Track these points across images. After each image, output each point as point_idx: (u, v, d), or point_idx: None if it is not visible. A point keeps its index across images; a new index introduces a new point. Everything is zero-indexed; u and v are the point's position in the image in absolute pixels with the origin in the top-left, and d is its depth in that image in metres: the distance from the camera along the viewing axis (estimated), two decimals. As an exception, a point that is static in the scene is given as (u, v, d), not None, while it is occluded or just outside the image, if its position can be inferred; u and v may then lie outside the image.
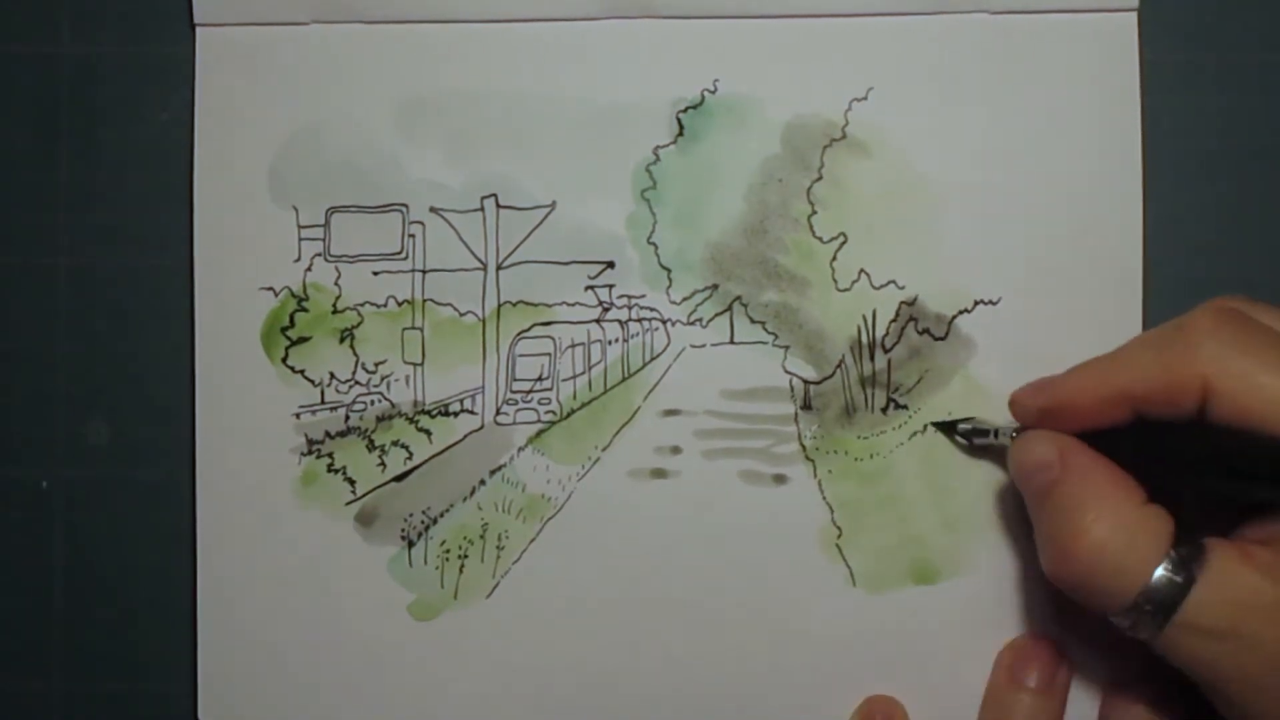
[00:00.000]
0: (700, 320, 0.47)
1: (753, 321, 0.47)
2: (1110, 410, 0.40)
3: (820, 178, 0.46)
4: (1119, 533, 0.38)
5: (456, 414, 0.47)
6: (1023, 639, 0.45)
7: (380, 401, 0.47)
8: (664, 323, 0.47)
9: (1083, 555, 0.38)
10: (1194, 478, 0.39)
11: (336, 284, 0.47)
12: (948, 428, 0.46)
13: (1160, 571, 0.37)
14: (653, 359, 0.47)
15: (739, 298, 0.47)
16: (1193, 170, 0.46)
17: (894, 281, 0.46)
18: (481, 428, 0.47)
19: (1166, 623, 0.37)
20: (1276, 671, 0.37)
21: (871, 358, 0.46)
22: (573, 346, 0.47)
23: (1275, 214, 0.46)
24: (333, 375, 0.47)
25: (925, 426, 0.46)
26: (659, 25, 0.46)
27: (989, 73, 0.46)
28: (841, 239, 0.46)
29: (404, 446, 0.47)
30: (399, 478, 0.47)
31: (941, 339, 0.46)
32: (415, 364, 0.47)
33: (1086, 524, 0.38)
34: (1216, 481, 0.38)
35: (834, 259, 0.46)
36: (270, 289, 0.47)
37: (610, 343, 0.47)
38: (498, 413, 0.47)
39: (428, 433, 0.47)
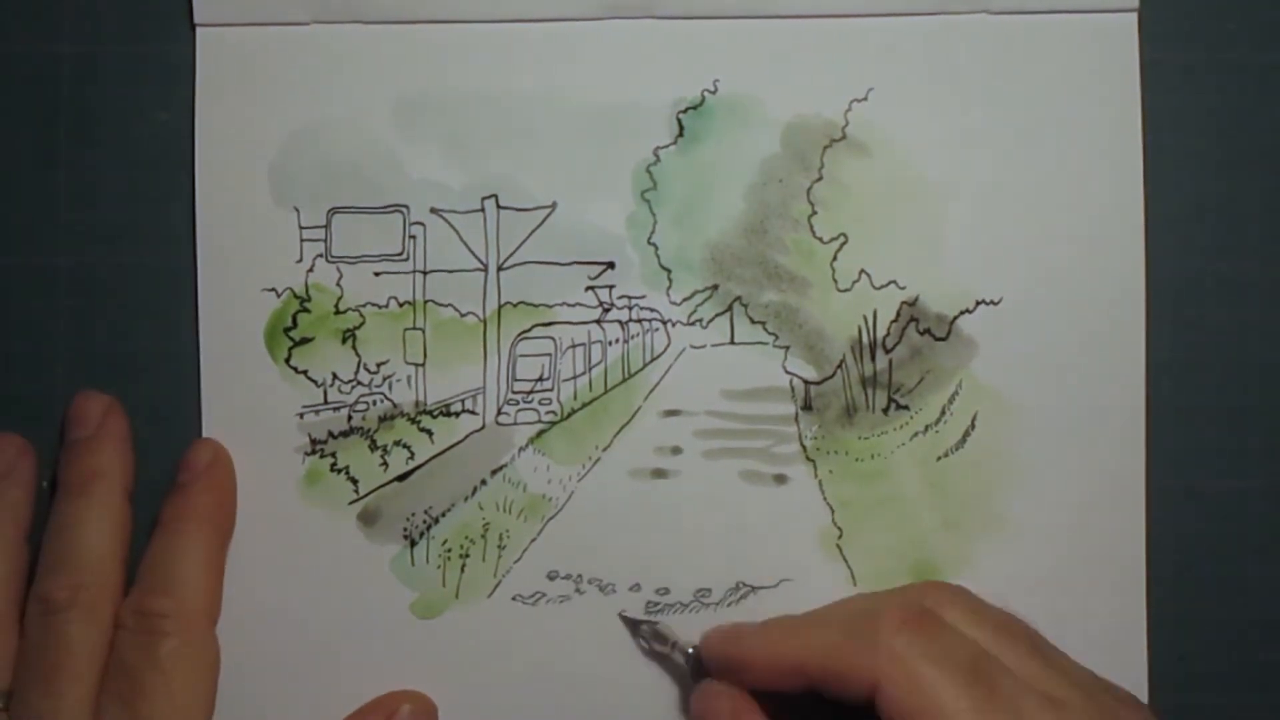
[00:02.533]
0: (700, 320, 0.47)
1: (753, 322, 0.47)
2: (785, 679, 0.40)
3: (820, 178, 0.46)
4: None
5: (458, 414, 0.47)
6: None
7: (382, 402, 0.47)
8: (664, 323, 0.47)
9: None
10: None
11: (338, 285, 0.47)
12: (631, 624, 0.46)
13: None
14: (653, 359, 0.47)
15: (739, 298, 0.47)
16: (1193, 170, 0.46)
17: (895, 282, 0.46)
18: (483, 428, 0.47)
19: None
20: None
21: (872, 358, 0.46)
22: (573, 347, 0.47)
23: (1275, 214, 0.46)
24: (335, 375, 0.47)
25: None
26: (659, 25, 0.46)
27: (989, 73, 0.46)
28: (842, 239, 0.46)
29: (406, 446, 0.47)
30: (401, 477, 0.47)
31: (943, 339, 0.46)
32: (417, 364, 0.47)
33: None
34: None
35: (834, 259, 0.46)
36: (273, 290, 0.47)
37: (611, 343, 0.47)
38: (499, 413, 0.47)
39: (429, 433, 0.47)
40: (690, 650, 0.45)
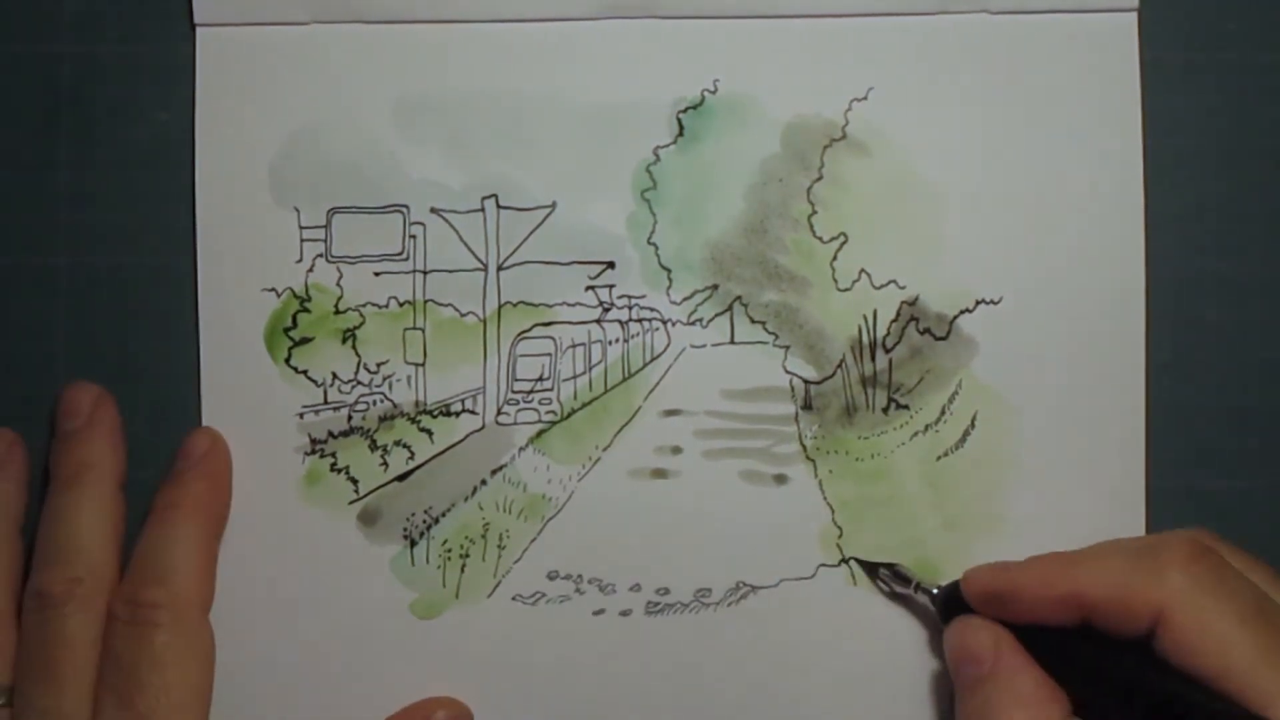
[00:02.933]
0: (700, 320, 0.47)
1: (753, 321, 0.47)
2: (1061, 610, 0.40)
3: (820, 178, 0.46)
4: None
5: (458, 414, 0.47)
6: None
7: (382, 401, 0.47)
8: (664, 323, 0.47)
9: None
10: (1123, 700, 0.38)
11: (338, 285, 0.47)
12: (870, 568, 0.46)
13: None
14: (653, 359, 0.47)
15: (739, 298, 0.47)
16: (1193, 170, 0.46)
17: (895, 281, 0.46)
18: (483, 428, 0.47)
19: None
20: None
21: (872, 358, 0.46)
22: (573, 347, 0.47)
23: (1275, 213, 0.46)
24: (335, 375, 0.47)
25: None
26: (659, 25, 0.46)
27: (989, 73, 0.46)
28: (842, 239, 0.46)
29: (406, 446, 0.47)
30: (401, 477, 0.47)
31: (943, 339, 0.46)
32: (417, 364, 0.47)
33: None
34: (1145, 710, 0.38)
35: (834, 259, 0.47)
36: (273, 290, 0.47)
37: (611, 343, 0.47)
38: (499, 413, 0.47)
39: (429, 432, 0.47)
40: (935, 590, 0.44)
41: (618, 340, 0.47)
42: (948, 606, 0.43)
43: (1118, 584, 0.38)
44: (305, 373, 0.47)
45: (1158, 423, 0.46)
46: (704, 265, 0.47)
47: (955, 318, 0.46)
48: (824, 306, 0.47)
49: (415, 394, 0.47)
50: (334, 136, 0.47)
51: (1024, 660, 0.40)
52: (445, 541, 0.47)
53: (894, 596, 0.46)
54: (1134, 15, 0.46)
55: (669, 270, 0.47)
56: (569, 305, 0.47)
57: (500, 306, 0.47)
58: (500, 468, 0.47)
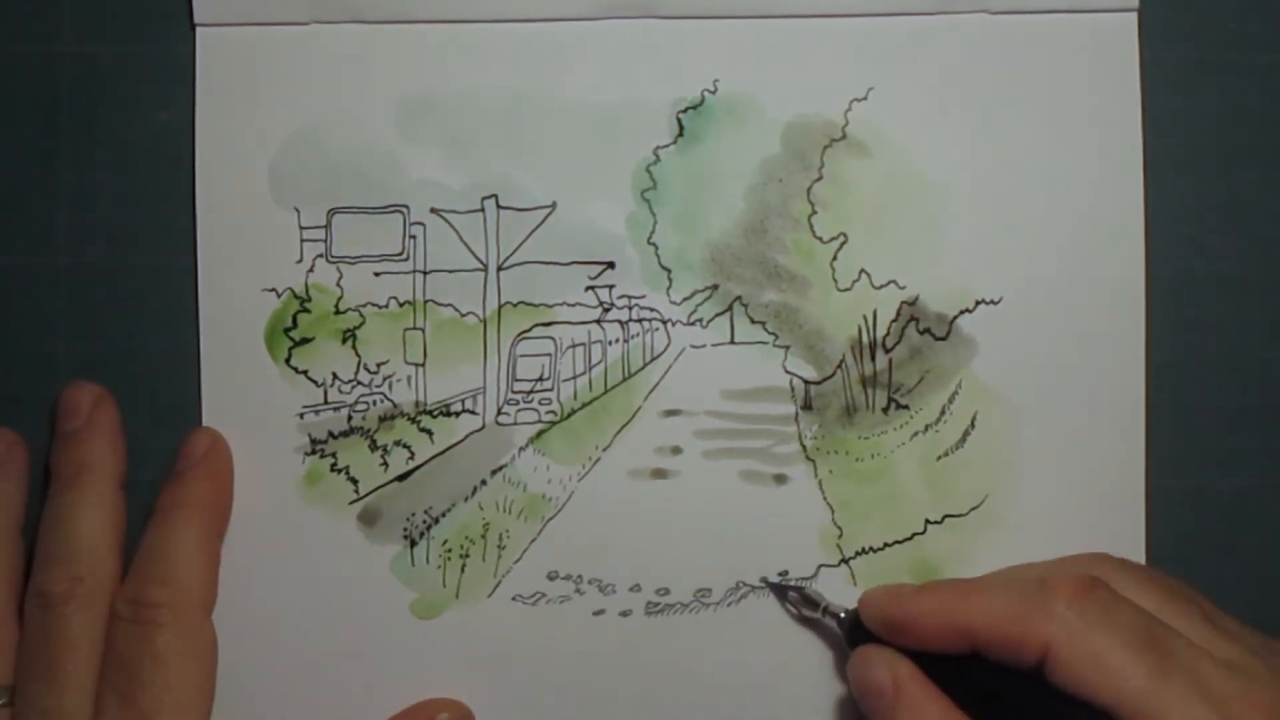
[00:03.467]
0: (700, 320, 0.47)
1: (753, 321, 0.47)
2: (952, 641, 0.40)
3: (820, 178, 0.46)
4: None
5: (458, 414, 0.47)
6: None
7: (382, 402, 0.47)
8: (664, 323, 0.47)
9: None
10: None
11: (338, 285, 0.47)
12: (778, 589, 0.46)
13: None
14: (653, 359, 0.47)
15: (739, 298, 0.47)
16: (1193, 170, 0.46)
17: (895, 281, 0.46)
18: (483, 428, 0.47)
19: None
20: None
21: (872, 358, 0.47)
22: (573, 347, 0.47)
23: (1274, 213, 0.46)
24: (335, 375, 0.47)
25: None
26: (659, 25, 0.46)
27: (989, 73, 0.46)
28: (842, 239, 0.46)
29: (406, 446, 0.47)
30: (401, 477, 0.47)
31: (943, 339, 0.46)
32: (417, 364, 0.47)
33: None
34: None
35: (834, 259, 0.47)
36: (273, 290, 0.47)
37: (611, 343, 0.47)
38: (499, 413, 0.47)
39: (429, 433, 0.47)
40: (842, 614, 0.44)
41: (618, 340, 0.47)
42: (853, 632, 0.44)
43: (1005, 618, 0.39)
44: (305, 373, 0.47)
45: (1158, 423, 0.46)
46: (704, 265, 0.47)
47: (955, 318, 0.46)
48: (824, 306, 0.47)
49: (415, 394, 0.47)
50: (334, 136, 0.47)
51: (924, 689, 0.40)
52: (445, 541, 0.47)
53: (802, 620, 0.46)
54: (1134, 15, 0.46)
55: (669, 270, 0.47)
56: (569, 305, 0.47)
57: (500, 306, 0.47)
58: (500, 468, 0.47)
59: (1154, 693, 0.36)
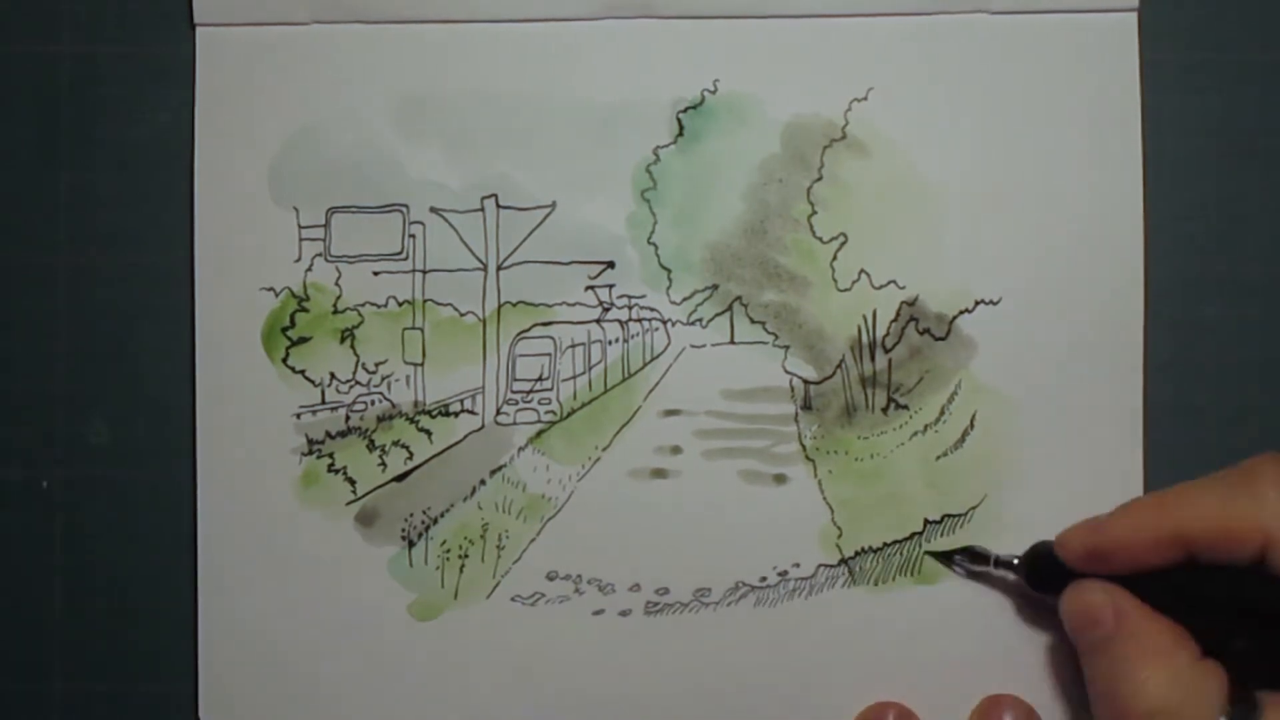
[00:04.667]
0: (700, 320, 0.47)
1: (753, 321, 0.47)
2: (1164, 553, 0.40)
3: (820, 178, 0.46)
4: (1174, 692, 0.38)
5: (457, 414, 0.47)
6: (998, 695, 0.45)
7: (381, 401, 0.47)
8: (664, 323, 0.47)
9: (1138, 716, 0.38)
10: (1246, 627, 0.39)
11: (337, 284, 0.47)
12: (944, 557, 0.46)
13: None
14: (653, 359, 0.47)
15: (739, 298, 0.47)
16: (1193, 170, 0.46)
17: (894, 281, 0.46)
18: (482, 428, 0.47)
19: None
20: None
21: (872, 358, 0.46)
22: (573, 346, 0.47)
23: (1274, 213, 0.46)
24: (333, 375, 0.47)
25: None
26: (659, 25, 0.47)
27: (989, 73, 0.46)
28: (841, 239, 0.46)
29: (404, 446, 0.47)
30: (399, 478, 0.47)
31: (942, 339, 0.46)
32: (416, 364, 0.47)
33: (1140, 682, 0.39)
34: (1270, 632, 0.38)
35: (834, 259, 0.46)
36: (271, 289, 0.47)
37: (610, 343, 0.47)
38: (498, 413, 0.47)
39: (428, 433, 0.47)
40: (1015, 560, 0.44)
41: (617, 340, 0.47)
42: (1033, 573, 0.44)
43: (1217, 516, 0.38)
44: (303, 372, 0.47)
45: (1156, 422, 0.46)
46: (704, 265, 0.47)
47: (955, 318, 0.46)
48: (824, 306, 0.47)
49: (414, 394, 0.47)
50: (334, 136, 0.47)
51: (1145, 613, 0.40)
52: (444, 542, 0.47)
53: (973, 576, 0.46)
54: (1134, 15, 0.46)
55: (669, 270, 0.47)
56: (569, 305, 0.47)
57: (500, 306, 0.47)
58: (499, 468, 0.47)
59: None
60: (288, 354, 0.47)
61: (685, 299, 0.47)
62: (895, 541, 0.46)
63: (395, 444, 0.47)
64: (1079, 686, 0.45)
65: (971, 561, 0.45)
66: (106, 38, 0.48)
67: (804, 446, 0.46)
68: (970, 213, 0.46)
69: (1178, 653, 0.39)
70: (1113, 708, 0.39)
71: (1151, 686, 0.38)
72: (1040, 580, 0.43)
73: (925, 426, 0.46)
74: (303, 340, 0.47)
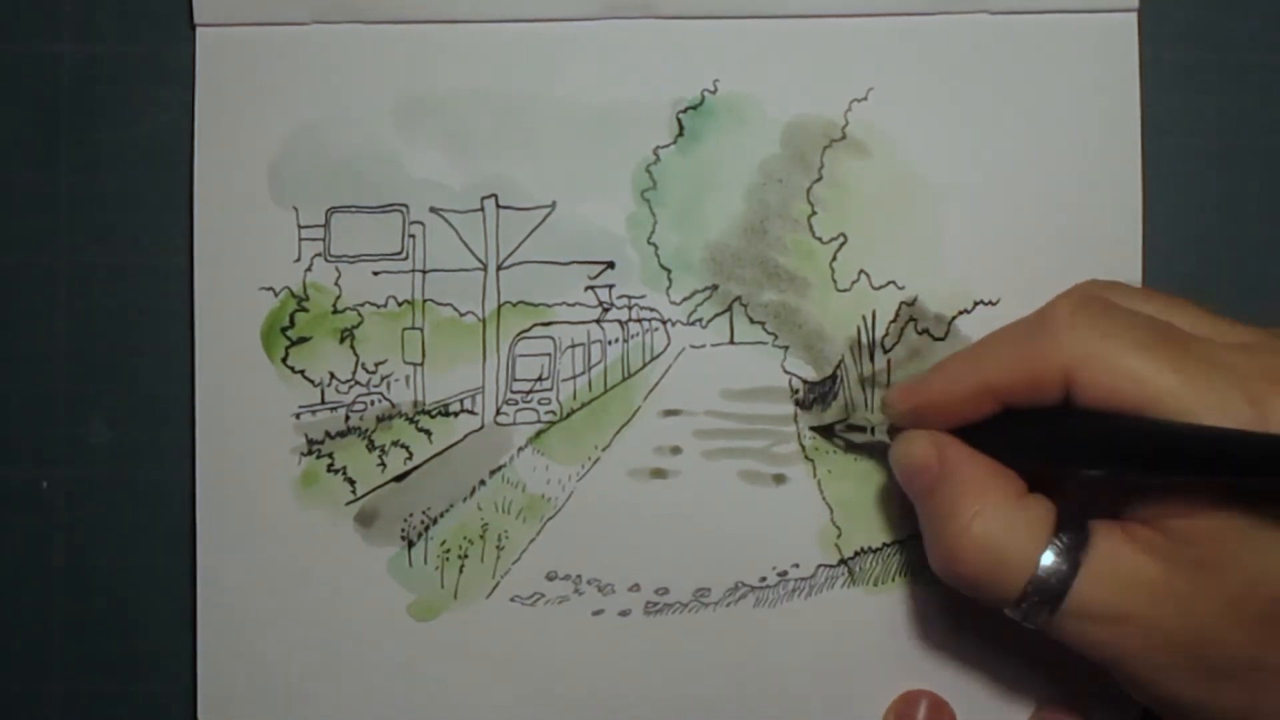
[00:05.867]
0: (700, 320, 0.47)
1: (753, 321, 0.47)
2: (976, 404, 0.40)
3: (820, 178, 0.46)
4: (1000, 525, 0.39)
5: (456, 414, 0.47)
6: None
7: (380, 401, 0.47)
8: (664, 323, 0.47)
9: (967, 553, 0.39)
10: (1068, 463, 0.39)
11: (337, 284, 0.47)
12: (826, 430, 0.46)
13: (1045, 560, 0.38)
14: (653, 359, 0.47)
15: (739, 298, 0.47)
16: (1193, 170, 0.46)
17: (894, 282, 0.46)
18: (481, 428, 0.47)
19: (1056, 611, 0.38)
20: (1172, 648, 0.37)
21: (871, 358, 0.46)
22: (573, 347, 0.47)
23: (1274, 213, 0.46)
24: (333, 375, 0.47)
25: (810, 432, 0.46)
26: (659, 25, 0.46)
27: (989, 73, 0.46)
28: (841, 239, 0.46)
29: (404, 446, 0.47)
30: (399, 478, 0.47)
31: (941, 339, 0.46)
32: (415, 364, 0.47)
33: (967, 521, 0.39)
34: (1090, 465, 0.38)
35: (834, 259, 0.46)
36: (270, 289, 0.47)
37: (610, 343, 0.47)
38: (498, 413, 0.47)
39: (428, 433, 0.47)
40: (889, 430, 0.44)
41: (617, 340, 0.47)
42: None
43: (1017, 364, 0.39)
44: (302, 372, 0.47)
45: (1158, 423, 0.46)
46: (704, 265, 0.47)
47: (954, 318, 0.46)
48: (823, 307, 0.47)
49: (414, 394, 0.47)
50: (334, 136, 0.47)
51: (968, 453, 0.40)
52: (444, 542, 0.47)
53: (853, 448, 0.46)
54: (1134, 15, 0.46)
55: (669, 270, 0.47)
56: (569, 305, 0.47)
57: (500, 306, 0.47)
58: (499, 468, 0.47)
59: (1181, 385, 0.36)
60: (287, 354, 0.47)
61: (685, 299, 0.47)
62: (895, 541, 0.46)
63: (395, 444, 0.47)
64: (1079, 687, 0.45)
65: (851, 432, 0.45)
66: (106, 38, 0.48)
67: (803, 446, 0.46)
68: (969, 213, 0.46)
69: (1002, 489, 0.39)
70: (942, 551, 0.40)
71: (977, 524, 0.39)
72: None
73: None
74: (302, 340, 0.47)
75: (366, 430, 0.47)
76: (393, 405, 0.47)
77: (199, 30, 0.47)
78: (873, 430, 0.45)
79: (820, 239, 0.47)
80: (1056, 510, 0.39)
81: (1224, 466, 0.35)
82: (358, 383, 0.47)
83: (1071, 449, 0.38)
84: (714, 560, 0.46)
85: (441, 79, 0.47)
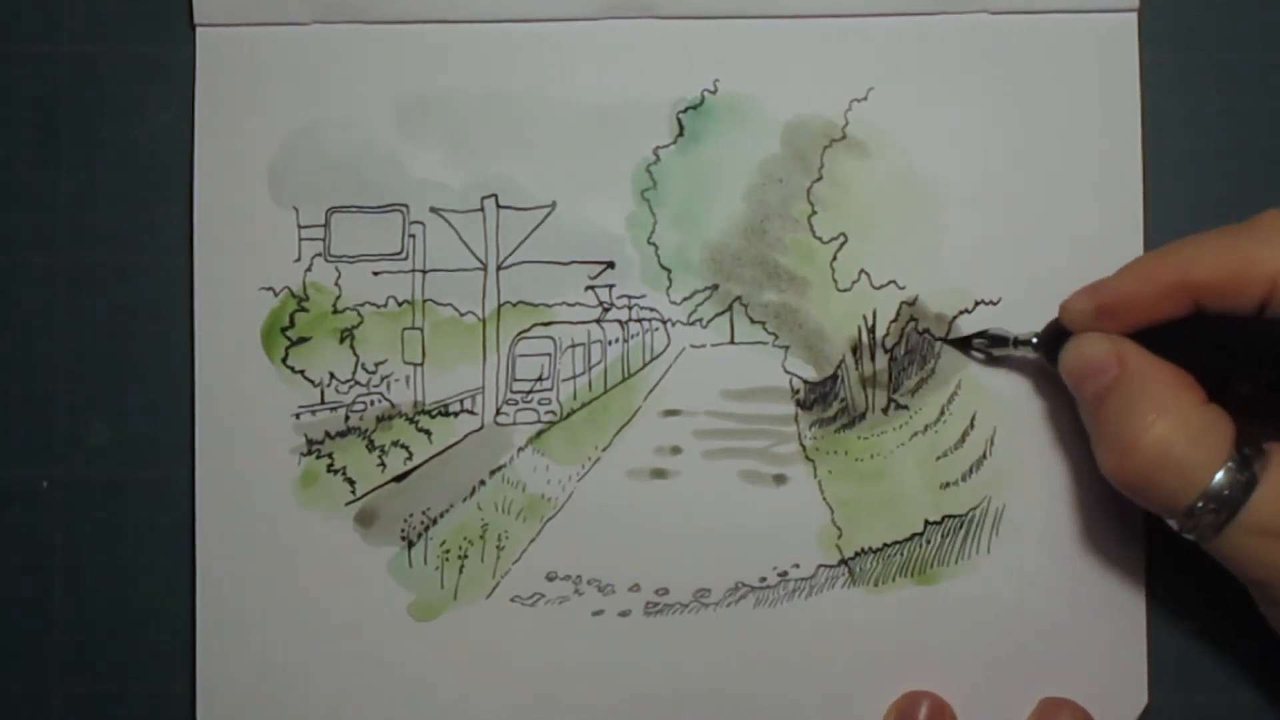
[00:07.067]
0: (700, 320, 0.47)
1: (753, 321, 0.47)
2: (1170, 303, 0.39)
3: (820, 178, 0.46)
4: (1182, 431, 0.38)
5: (456, 414, 0.47)
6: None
7: (380, 402, 0.47)
8: (664, 323, 0.47)
9: (1145, 453, 0.38)
10: (1253, 376, 0.38)
11: (337, 284, 0.47)
12: (963, 343, 0.46)
13: (1222, 472, 0.37)
14: (653, 359, 0.47)
15: (739, 298, 0.47)
16: (1193, 170, 0.46)
17: (894, 281, 0.46)
18: (481, 428, 0.47)
19: (1227, 524, 0.37)
20: None
21: (872, 358, 0.46)
22: (573, 347, 0.47)
23: (1275, 214, 0.46)
24: (333, 375, 0.47)
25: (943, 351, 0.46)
26: (659, 25, 0.47)
27: (989, 73, 0.46)
28: (841, 239, 0.46)
29: (404, 447, 0.47)
30: (399, 478, 0.47)
31: (942, 339, 0.46)
32: (415, 364, 0.47)
33: (1148, 422, 0.38)
34: (1274, 377, 0.38)
35: (834, 259, 0.46)
36: (270, 289, 0.47)
37: (610, 343, 0.47)
38: (498, 413, 0.47)
39: (428, 433, 0.47)
40: (1034, 339, 0.44)
41: (617, 340, 0.47)
42: (1051, 347, 0.43)
43: (1224, 261, 0.38)
44: (302, 372, 0.47)
45: (1158, 423, 0.46)
46: (704, 265, 0.47)
47: (954, 318, 0.46)
48: (824, 307, 0.47)
49: (414, 394, 0.47)
50: (334, 136, 0.47)
51: (1149, 358, 0.39)
52: (444, 542, 0.47)
53: (993, 361, 0.46)
54: (1134, 15, 0.46)
55: (669, 270, 0.47)
56: (569, 305, 0.47)
57: (500, 306, 0.47)
58: (499, 468, 0.47)
59: None
60: (287, 354, 0.47)
61: (685, 299, 0.47)
62: (895, 542, 0.46)
63: (395, 444, 0.47)
64: (1079, 687, 0.45)
65: (991, 345, 0.45)
66: (106, 38, 0.48)
67: (804, 447, 0.46)
68: (970, 213, 0.46)
69: (1185, 395, 0.38)
70: (1118, 450, 0.39)
71: (1158, 426, 0.38)
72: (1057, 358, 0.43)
73: (925, 427, 0.46)
74: (302, 340, 0.47)
75: (366, 430, 0.47)
76: (393, 405, 0.47)
77: (199, 30, 0.47)
78: (1014, 342, 0.44)
79: (820, 239, 0.47)
80: (1235, 423, 0.38)
81: None
82: (358, 383, 0.47)
83: (1259, 360, 0.38)
84: (714, 560, 0.46)
85: (441, 79, 0.47)
